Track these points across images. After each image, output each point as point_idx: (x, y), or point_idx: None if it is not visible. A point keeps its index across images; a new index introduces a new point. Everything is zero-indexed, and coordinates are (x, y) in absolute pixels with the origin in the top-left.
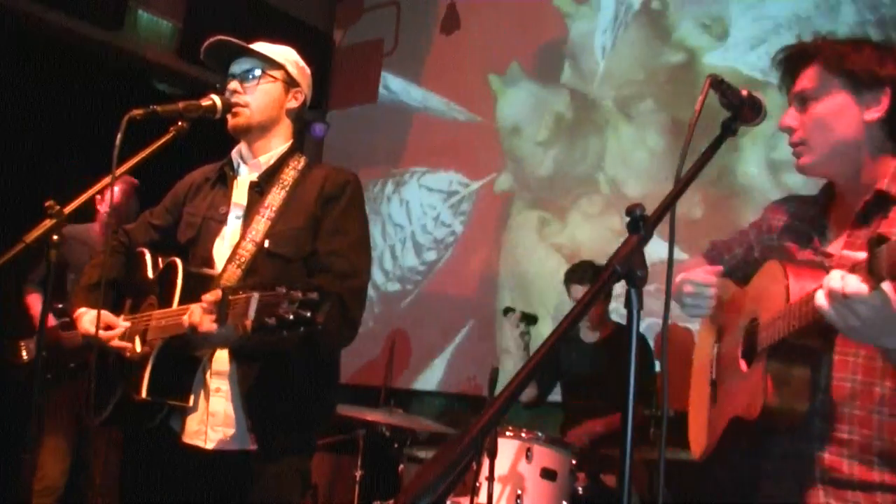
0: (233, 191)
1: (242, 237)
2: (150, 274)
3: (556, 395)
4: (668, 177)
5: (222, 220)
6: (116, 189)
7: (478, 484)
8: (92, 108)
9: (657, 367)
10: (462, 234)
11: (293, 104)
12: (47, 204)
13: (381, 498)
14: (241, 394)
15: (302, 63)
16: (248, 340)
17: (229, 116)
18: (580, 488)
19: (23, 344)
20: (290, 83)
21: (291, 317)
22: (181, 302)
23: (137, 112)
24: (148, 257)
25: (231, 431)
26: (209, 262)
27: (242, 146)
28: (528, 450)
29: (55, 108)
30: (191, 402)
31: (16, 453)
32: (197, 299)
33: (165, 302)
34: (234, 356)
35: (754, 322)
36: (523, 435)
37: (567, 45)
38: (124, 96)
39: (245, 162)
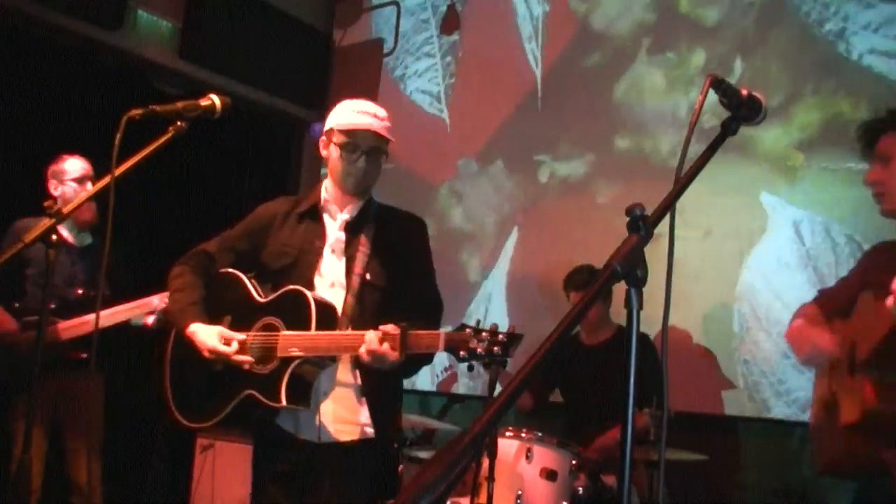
0: (325, 227)
1: (350, 270)
2: (257, 297)
3: (557, 396)
4: None
5: (318, 253)
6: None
7: (478, 484)
8: (92, 108)
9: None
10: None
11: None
12: (47, 204)
13: (382, 498)
14: (364, 397)
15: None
16: (399, 364)
17: (352, 182)
18: (580, 488)
19: None
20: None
21: (482, 351)
22: (319, 327)
23: (136, 112)
24: (247, 281)
25: (341, 427)
26: (310, 289)
27: (333, 188)
28: (528, 450)
29: (55, 108)
30: (311, 406)
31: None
32: (329, 325)
33: (297, 325)
34: (360, 370)
35: (854, 343)
36: (523, 435)
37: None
38: (124, 96)
39: (334, 201)
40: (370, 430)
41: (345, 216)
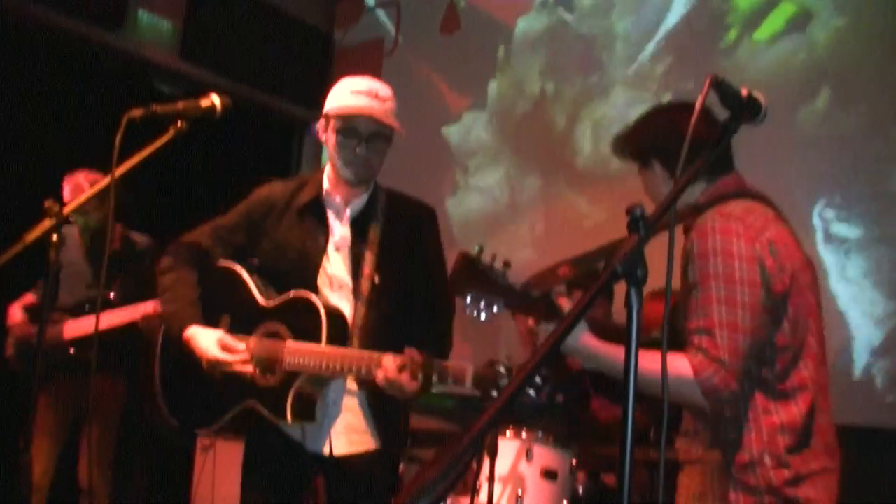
0: (329, 222)
1: (358, 273)
2: (260, 299)
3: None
4: None
5: (322, 252)
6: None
7: (478, 484)
8: (92, 108)
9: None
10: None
11: None
12: (47, 204)
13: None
14: (370, 406)
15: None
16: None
17: (351, 172)
18: (580, 488)
19: (9, 339)
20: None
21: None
22: (330, 341)
23: (137, 112)
24: (248, 279)
25: (352, 438)
26: (315, 292)
27: (334, 177)
28: (529, 450)
29: (55, 108)
30: (318, 420)
31: (7, 454)
32: (341, 338)
33: (304, 335)
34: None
35: None
36: (523, 435)
37: None
38: (124, 96)
39: (336, 192)
40: (379, 439)
41: (351, 210)
